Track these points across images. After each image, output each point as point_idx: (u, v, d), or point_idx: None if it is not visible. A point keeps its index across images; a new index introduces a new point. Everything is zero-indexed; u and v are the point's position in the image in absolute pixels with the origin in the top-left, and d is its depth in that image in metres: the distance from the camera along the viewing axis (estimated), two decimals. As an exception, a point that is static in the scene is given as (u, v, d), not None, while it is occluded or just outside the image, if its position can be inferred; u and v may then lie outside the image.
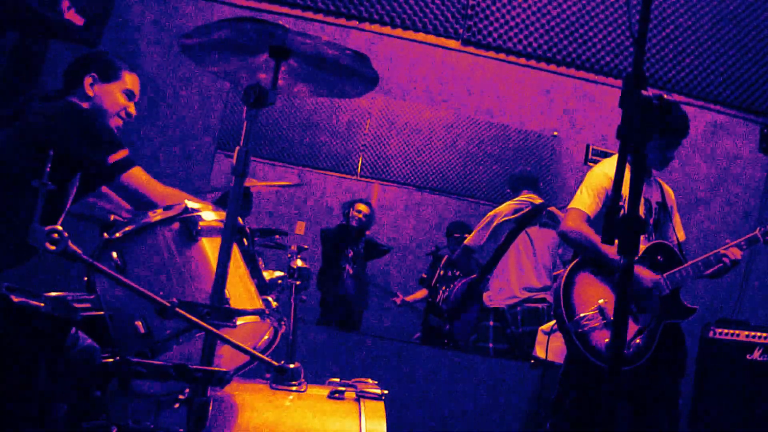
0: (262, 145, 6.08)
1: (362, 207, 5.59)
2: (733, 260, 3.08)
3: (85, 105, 2.51)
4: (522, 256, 4.55)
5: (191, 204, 1.99)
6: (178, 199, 2.03)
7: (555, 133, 4.70)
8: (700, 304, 3.31)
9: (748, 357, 3.85)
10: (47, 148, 1.90)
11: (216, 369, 1.65)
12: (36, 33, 3.91)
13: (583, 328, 2.99)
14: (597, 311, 3.02)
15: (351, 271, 5.42)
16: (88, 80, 2.53)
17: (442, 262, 5.53)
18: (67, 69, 2.60)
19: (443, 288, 5.37)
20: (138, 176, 2.35)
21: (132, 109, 2.62)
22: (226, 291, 1.78)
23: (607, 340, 2.96)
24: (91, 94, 2.53)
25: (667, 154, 3.22)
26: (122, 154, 2.34)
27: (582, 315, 3.01)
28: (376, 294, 5.92)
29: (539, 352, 3.89)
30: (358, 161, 6.23)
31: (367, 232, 5.63)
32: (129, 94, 2.62)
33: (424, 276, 5.68)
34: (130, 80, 2.62)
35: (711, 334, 3.96)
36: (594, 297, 3.05)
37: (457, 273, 5.40)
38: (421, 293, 5.76)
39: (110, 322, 1.91)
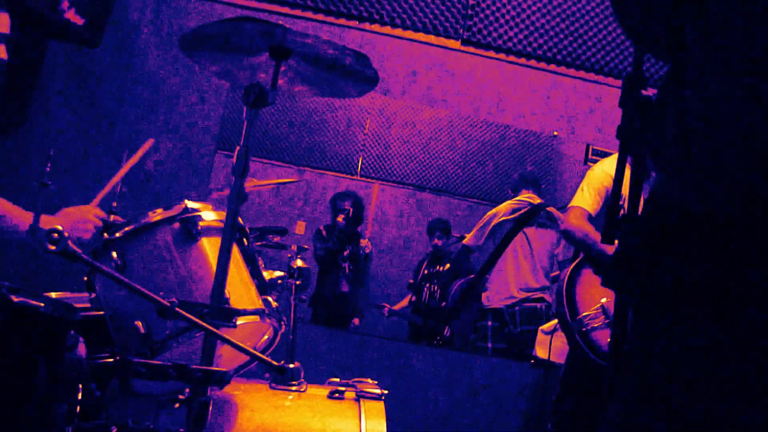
0: (262, 145, 6.09)
1: (343, 203, 5.28)
2: None
3: None
4: (519, 257, 4.55)
5: (191, 204, 1.99)
6: None
7: (555, 133, 4.70)
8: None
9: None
10: None
11: (216, 369, 1.65)
12: (36, 33, 3.90)
13: (586, 326, 2.99)
14: (600, 310, 3.01)
15: (347, 271, 5.30)
16: None
17: (425, 262, 5.49)
18: None
19: (427, 286, 5.34)
20: None
21: (1, 53, 2.33)
22: (226, 291, 1.78)
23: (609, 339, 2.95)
24: None
25: None
26: None
27: (585, 314, 3.00)
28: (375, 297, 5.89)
29: (539, 352, 3.88)
30: (358, 161, 6.23)
31: (366, 240, 5.53)
32: None
33: (411, 281, 5.59)
34: None
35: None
36: (596, 296, 3.04)
37: (440, 268, 5.35)
38: (408, 299, 5.61)
39: (110, 322, 1.91)
